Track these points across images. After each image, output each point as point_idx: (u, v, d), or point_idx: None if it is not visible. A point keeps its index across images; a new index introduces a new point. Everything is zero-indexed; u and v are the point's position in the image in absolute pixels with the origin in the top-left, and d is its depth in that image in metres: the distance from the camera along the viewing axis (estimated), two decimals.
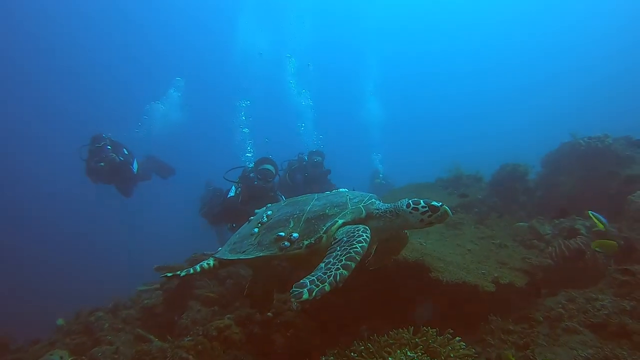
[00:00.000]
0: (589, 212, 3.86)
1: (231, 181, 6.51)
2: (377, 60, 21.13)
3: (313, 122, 11.63)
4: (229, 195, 6.58)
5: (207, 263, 2.88)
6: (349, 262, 2.09)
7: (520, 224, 4.83)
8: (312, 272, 2.12)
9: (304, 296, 1.91)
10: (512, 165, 6.11)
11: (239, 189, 6.53)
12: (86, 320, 4.92)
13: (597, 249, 3.48)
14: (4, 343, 5.38)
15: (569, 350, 2.37)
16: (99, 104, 26.28)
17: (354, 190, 3.07)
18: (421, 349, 2.13)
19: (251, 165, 6.78)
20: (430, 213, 2.39)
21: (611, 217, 4.13)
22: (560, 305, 2.89)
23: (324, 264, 2.16)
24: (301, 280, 2.03)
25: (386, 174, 11.28)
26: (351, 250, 2.18)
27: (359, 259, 2.14)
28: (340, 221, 2.49)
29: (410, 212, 2.46)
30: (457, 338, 2.20)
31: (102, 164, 7.26)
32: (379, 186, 10.17)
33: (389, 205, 2.62)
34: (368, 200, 2.72)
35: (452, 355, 2.07)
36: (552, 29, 28.81)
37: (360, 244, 2.24)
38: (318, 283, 2.01)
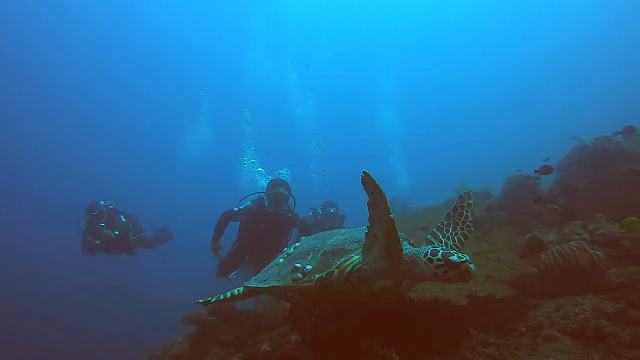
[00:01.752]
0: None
1: (241, 208, 6.27)
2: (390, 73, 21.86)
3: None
4: (232, 209, 6.17)
5: (237, 290, 2.96)
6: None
7: (528, 235, 4.70)
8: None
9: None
10: (520, 176, 5.98)
11: (243, 205, 6.20)
12: None
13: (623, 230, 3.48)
14: None
15: (542, 359, 2.33)
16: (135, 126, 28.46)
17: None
18: None
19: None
20: (445, 269, 2.14)
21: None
22: (545, 314, 2.82)
23: None
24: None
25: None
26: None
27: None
28: (356, 258, 2.38)
29: (425, 263, 2.26)
30: None
31: (97, 242, 7.18)
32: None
33: (413, 250, 2.41)
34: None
35: None
36: (565, 33, 28.13)
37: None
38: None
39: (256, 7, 22.31)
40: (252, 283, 2.80)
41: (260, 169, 8.68)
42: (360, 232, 2.64)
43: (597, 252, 3.42)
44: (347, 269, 2.37)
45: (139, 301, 16.27)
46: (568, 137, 6.22)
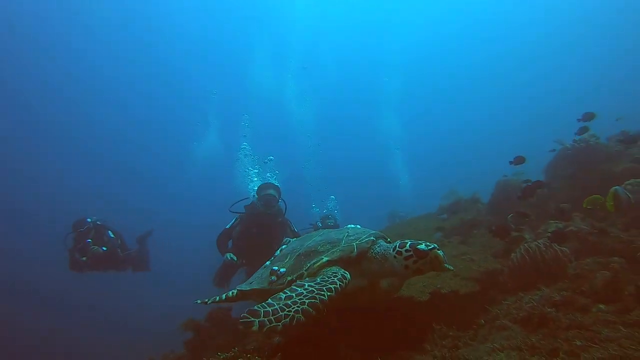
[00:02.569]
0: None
1: (236, 212, 6.39)
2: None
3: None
4: (225, 227, 6.24)
5: (231, 292, 3.02)
6: (309, 309, 1.94)
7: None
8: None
9: (253, 327, 1.82)
10: (505, 180, 6.14)
11: (236, 219, 6.28)
12: None
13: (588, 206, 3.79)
14: None
15: (489, 346, 2.51)
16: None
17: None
18: None
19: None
20: (415, 259, 2.20)
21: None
22: (504, 307, 2.99)
23: (284, 295, 2.05)
24: (255, 307, 1.93)
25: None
26: (317, 296, 2.02)
27: (321, 307, 2.00)
28: (325, 259, 2.37)
29: (394, 257, 2.28)
30: None
31: (84, 258, 7.01)
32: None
33: (384, 246, 2.45)
34: (366, 238, 2.52)
35: None
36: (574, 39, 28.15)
37: (329, 292, 2.07)
38: (272, 319, 1.86)
39: (261, 13, 23.42)
40: (242, 286, 2.95)
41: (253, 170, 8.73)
42: (336, 233, 2.73)
43: (563, 248, 3.59)
44: (318, 271, 2.34)
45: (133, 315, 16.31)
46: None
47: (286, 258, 2.68)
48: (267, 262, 3.01)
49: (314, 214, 9.22)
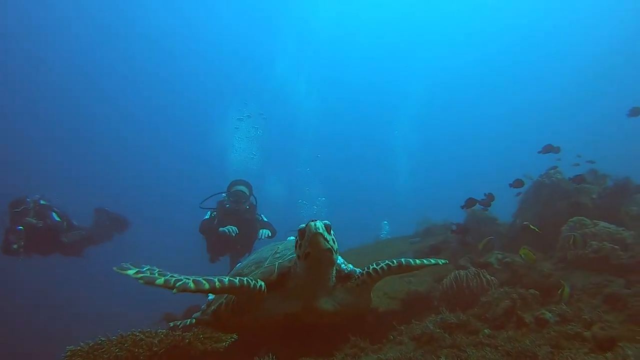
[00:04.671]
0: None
1: (206, 208, 6.31)
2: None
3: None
4: (203, 219, 6.18)
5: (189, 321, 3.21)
6: (203, 282, 2.03)
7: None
8: None
9: (128, 272, 1.92)
10: (475, 211, 6.35)
11: (214, 212, 6.20)
12: None
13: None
14: None
15: (380, 355, 2.84)
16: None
17: None
18: None
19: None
20: (300, 242, 2.09)
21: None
22: (411, 326, 3.30)
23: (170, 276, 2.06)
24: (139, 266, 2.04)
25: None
26: (215, 278, 2.10)
27: (217, 286, 2.10)
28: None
29: (296, 254, 2.18)
30: None
31: (15, 245, 6.25)
32: None
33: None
34: (291, 255, 2.45)
35: None
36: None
37: (207, 282, 2.05)
38: (154, 274, 1.97)
39: (286, 21, 24.50)
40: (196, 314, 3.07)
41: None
42: (267, 251, 2.85)
43: (491, 277, 3.86)
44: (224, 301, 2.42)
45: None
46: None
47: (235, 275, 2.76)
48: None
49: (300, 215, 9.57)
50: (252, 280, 2.23)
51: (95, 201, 8.73)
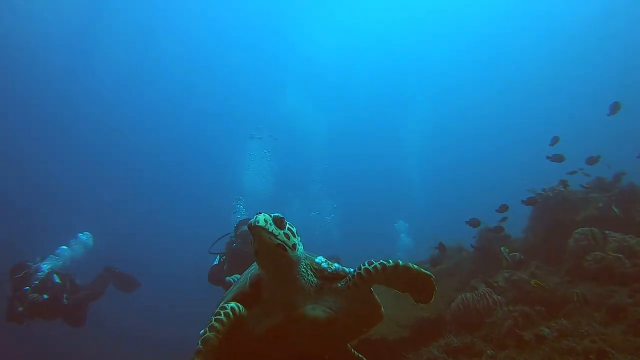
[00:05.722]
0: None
1: (215, 253, 6.08)
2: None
3: None
4: (211, 265, 5.94)
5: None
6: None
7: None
8: None
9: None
10: (487, 229, 6.40)
11: (224, 257, 5.96)
12: None
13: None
14: None
15: None
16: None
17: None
18: None
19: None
20: (253, 239, 1.83)
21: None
22: (424, 351, 3.41)
23: None
24: None
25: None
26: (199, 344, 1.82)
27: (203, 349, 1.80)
28: (217, 310, 1.97)
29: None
30: None
31: (20, 308, 6.16)
32: None
33: None
34: None
35: None
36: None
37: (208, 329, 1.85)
38: None
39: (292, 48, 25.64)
40: None
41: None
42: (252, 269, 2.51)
43: (498, 297, 3.95)
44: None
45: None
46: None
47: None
48: None
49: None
50: (220, 312, 1.91)
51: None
